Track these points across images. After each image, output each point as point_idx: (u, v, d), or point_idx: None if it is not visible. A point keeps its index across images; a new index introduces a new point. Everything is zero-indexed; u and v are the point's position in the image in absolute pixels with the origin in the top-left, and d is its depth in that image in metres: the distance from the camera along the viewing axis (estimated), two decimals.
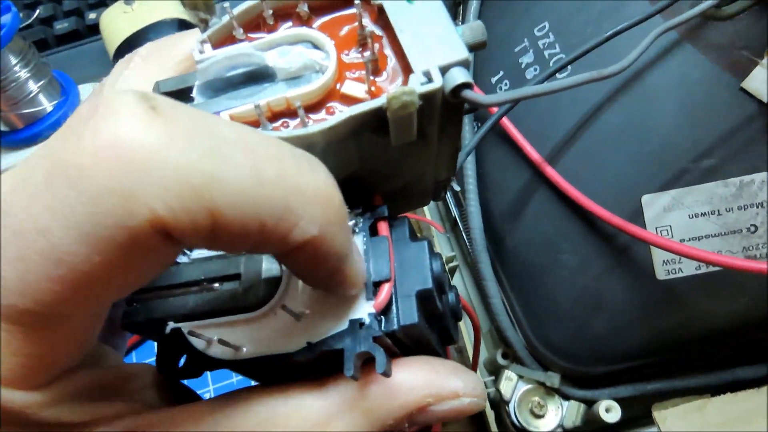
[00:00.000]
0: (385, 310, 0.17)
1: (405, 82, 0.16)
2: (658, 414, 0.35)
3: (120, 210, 0.11)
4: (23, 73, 0.55)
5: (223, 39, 0.18)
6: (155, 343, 0.18)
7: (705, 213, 0.32)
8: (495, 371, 0.41)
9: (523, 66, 0.38)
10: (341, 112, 0.15)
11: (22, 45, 0.55)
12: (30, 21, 0.68)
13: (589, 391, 0.37)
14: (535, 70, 0.37)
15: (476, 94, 0.16)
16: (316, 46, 0.17)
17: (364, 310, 0.17)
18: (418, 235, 0.48)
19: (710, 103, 0.32)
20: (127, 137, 0.11)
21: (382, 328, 0.16)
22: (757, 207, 0.32)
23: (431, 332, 0.19)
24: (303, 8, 0.18)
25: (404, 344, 0.18)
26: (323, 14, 0.18)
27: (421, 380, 0.17)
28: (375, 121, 0.16)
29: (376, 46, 0.17)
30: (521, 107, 0.33)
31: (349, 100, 0.17)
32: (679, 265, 0.33)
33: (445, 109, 0.17)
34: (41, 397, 0.14)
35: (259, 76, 0.17)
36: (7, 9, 0.52)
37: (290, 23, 0.18)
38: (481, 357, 0.43)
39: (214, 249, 0.13)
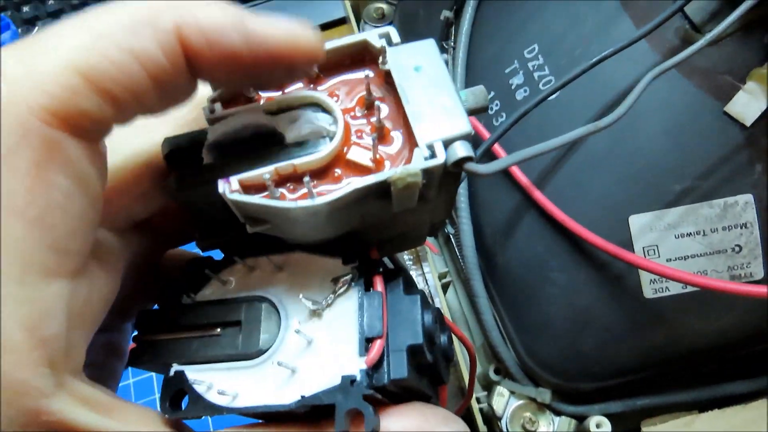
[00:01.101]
0: (377, 365, 0.17)
1: (410, 153, 0.17)
2: (647, 430, 0.36)
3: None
4: None
5: (234, 96, 0.18)
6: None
7: (691, 233, 0.33)
8: (487, 386, 0.41)
9: (513, 87, 0.39)
10: (347, 185, 0.16)
11: None
12: None
13: (579, 406, 0.38)
14: (525, 91, 0.38)
15: (477, 166, 0.17)
16: (324, 109, 0.18)
17: (356, 366, 0.17)
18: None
19: (694, 127, 0.32)
20: None
21: (373, 382, 0.17)
22: (741, 228, 0.32)
23: (420, 380, 0.20)
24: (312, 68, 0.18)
25: (395, 393, 0.19)
26: (332, 75, 0.19)
27: (412, 430, 0.17)
28: (379, 191, 0.16)
29: (384, 108, 0.18)
30: (510, 132, 0.34)
31: (354, 167, 0.17)
32: (666, 284, 0.34)
33: (444, 176, 0.17)
34: (54, 382, 0.15)
35: (268, 137, 0.18)
36: (7, 27, 0.53)
37: (299, 83, 0.18)
38: None
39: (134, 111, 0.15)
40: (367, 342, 0.17)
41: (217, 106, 0.18)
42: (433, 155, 0.16)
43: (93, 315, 0.17)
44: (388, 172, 0.16)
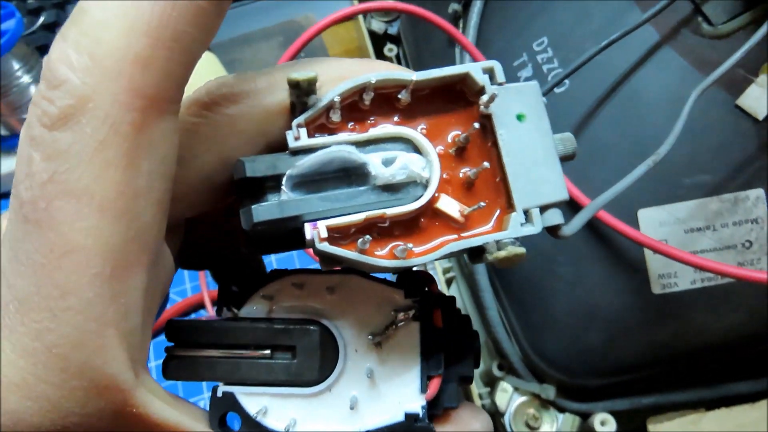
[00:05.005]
0: (433, 398, 0.18)
1: (503, 211, 0.16)
2: (653, 427, 0.35)
3: None
4: (25, 79, 0.55)
5: (318, 121, 0.16)
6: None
7: (700, 228, 0.33)
8: (490, 382, 0.41)
9: (521, 80, 0.38)
10: (442, 247, 0.16)
11: (25, 51, 0.55)
12: (34, 28, 0.68)
13: (584, 403, 0.37)
14: None
15: (566, 230, 0.17)
16: (416, 149, 0.16)
17: (417, 402, 0.17)
18: None
19: (706, 120, 0.32)
20: None
21: (428, 411, 0.18)
22: (752, 223, 0.32)
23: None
24: (404, 95, 0.16)
25: None
26: (425, 105, 0.17)
27: (451, 428, 0.18)
28: (469, 250, 0.16)
29: (485, 163, 0.17)
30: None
31: (442, 217, 0.16)
32: (675, 280, 0.33)
33: None
34: (136, 378, 0.14)
35: (354, 173, 0.16)
36: (11, 15, 0.53)
37: (388, 114, 0.17)
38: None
39: None
40: (427, 379, 0.18)
41: (303, 131, 0.16)
42: (527, 219, 0.16)
43: (156, 309, 0.16)
44: (486, 238, 0.15)
